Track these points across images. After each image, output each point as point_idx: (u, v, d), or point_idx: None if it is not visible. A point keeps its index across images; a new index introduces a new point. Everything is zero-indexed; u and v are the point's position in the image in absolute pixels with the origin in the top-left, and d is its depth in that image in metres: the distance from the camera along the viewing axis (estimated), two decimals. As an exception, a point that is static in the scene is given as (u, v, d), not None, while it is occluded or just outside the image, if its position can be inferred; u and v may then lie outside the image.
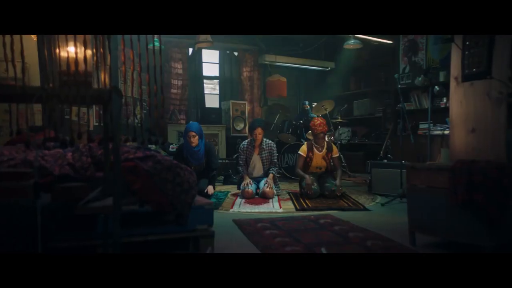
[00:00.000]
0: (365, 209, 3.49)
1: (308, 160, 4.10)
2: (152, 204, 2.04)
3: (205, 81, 7.26)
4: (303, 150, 4.11)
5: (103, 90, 1.36)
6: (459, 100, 2.66)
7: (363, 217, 3.18)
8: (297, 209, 3.44)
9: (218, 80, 7.42)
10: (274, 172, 4.23)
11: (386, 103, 6.42)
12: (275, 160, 4.34)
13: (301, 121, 6.20)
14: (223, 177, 5.60)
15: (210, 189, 3.89)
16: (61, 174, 2.00)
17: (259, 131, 4.24)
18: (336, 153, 4.17)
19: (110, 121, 1.30)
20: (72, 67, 1.31)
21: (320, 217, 3.12)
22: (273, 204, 3.63)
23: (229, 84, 7.36)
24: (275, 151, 4.33)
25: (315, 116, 6.22)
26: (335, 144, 6.20)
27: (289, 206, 3.63)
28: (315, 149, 4.11)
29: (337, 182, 3.95)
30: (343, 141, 6.70)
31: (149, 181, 2.03)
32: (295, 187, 4.97)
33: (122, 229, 2.02)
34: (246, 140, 4.48)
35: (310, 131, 5.92)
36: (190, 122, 4.18)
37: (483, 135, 2.52)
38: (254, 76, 7.38)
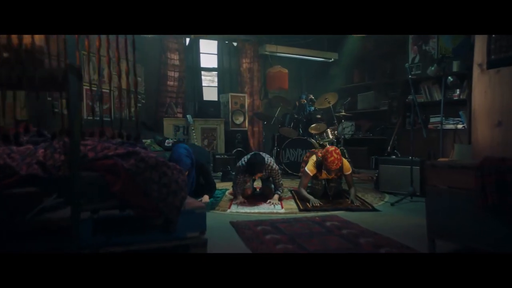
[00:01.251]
0: (373, 209, 3.22)
1: (313, 176, 3.58)
2: (135, 208, 1.77)
3: (203, 73, 6.96)
4: (310, 169, 3.46)
5: (56, 70, 1.06)
6: (483, 89, 2.37)
7: (372, 219, 2.92)
8: (300, 209, 3.18)
9: (216, 72, 7.12)
10: (280, 194, 3.59)
11: (392, 96, 6.13)
12: (280, 183, 3.62)
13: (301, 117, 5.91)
14: (221, 173, 5.33)
15: (205, 198, 3.44)
16: (29, 174, 1.72)
17: (259, 174, 3.55)
18: (348, 170, 3.51)
19: (67, 109, 1.00)
20: (15, 41, 1.02)
21: (326, 218, 2.85)
22: (274, 204, 3.36)
23: (228, 76, 7.06)
24: (275, 173, 3.55)
25: (313, 109, 5.94)
26: (338, 140, 5.93)
27: (291, 205, 3.36)
28: (324, 171, 3.48)
29: (353, 199, 3.39)
30: (346, 136, 6.42)
31: (131, 181, 1.76)
32: (296, 184, 4.71)
33: (99, 238, 1.76)
34: (243, 165, 3.52)
35: (313, 125, 5.65)
36: (179, 145, 3.54)
37: (511, 129, 2.24)
38: (254, 68, 7.08)
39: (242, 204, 3.38)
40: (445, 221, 2.07)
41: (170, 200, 1.78)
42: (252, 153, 3.64)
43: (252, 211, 3.14)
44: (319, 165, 3.44)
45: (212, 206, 3.27)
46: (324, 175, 3.51)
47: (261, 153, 3.65)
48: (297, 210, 3.17)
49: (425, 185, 2.20)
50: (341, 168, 3.44)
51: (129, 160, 1.79)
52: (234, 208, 3.23)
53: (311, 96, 6.35)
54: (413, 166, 3.80)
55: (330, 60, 7.42)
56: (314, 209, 3.19)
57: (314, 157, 3.53)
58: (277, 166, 3.57)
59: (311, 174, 3.49)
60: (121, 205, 1.77)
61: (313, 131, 5.74)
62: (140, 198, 1.75)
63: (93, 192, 1.79)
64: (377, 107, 6.68)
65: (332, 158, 3.23)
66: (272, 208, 3.23)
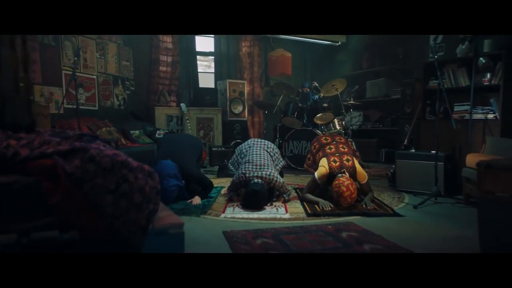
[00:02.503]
0: (395, 213, 2.71)
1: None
2: (81, 228, 1.25)
3: (198, 57, 6.39)
4: (320, 177, 2.95)
5: None
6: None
7: (396, 227, 2.40)
8: (308, 214, 2.66)
9: (213, 57, 6.55)
10: (286, 197, 3.09)
11: (405, 83, 5.57)
12: (287, 191, 3.10)
13: (306, 106, 5.36)
14: (217, 167, 4.81)
15: (196, 199, 2.97)
16: None
17: None
18: (363, 178, 3.01)
19: None
20: None
21: (340, 227, 2.34)
22: (277, 207, 2.84)
23: (225, 61, 6.50)
24: (281, 186, 3.01)
25: (317, 98, 5.39)
26: (346, 132, 5.40)
27: (297, 209, 2.85)
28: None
29: (367, 201, 2.90)
30: (353, 127, 5.88)
31: (75, 190, 1.24)
32: (301, 180, 4.20)
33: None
34: (238, 181, 3.00)
35: (318, 115, 5.11)
36: (163, 163, 2.96)
37: None
38: (254, 52, 6.51)
39: (239, 206, 2.87)
40: (505, 236, 1.55)
41: (132, 216, 1.26)
42: (251, 184, 2.83)
43: (251, 216, 2.62)
44: (330, 176, 2.92)
45: (203, 209, 2.76)
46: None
47: (260, 180, 2.87)
48: (304, 215, 2.66)
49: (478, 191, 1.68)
50: (354, 174, 2.93)
51: (73, 161, 1.27)
52: (229, 212, 2.72)
53: (315, 84, 5.82)
54: (439, 161, 3.28)
55: (337, 44, 6.84)
56: (325, 213, 2.67)
57: (325, 163, 2.98)
58: (282, 180, 3.01)
59: (320, 183, 2.98)
60: (62, 223, 1.25)
61: (318, 121, 5.20)
62: (88, 213, 1.24)
63: (23, 205, 1.27)
64: (388, 96, 6.13)
65: (348, 192, 2.67)
66: (275, 212, 2.71)
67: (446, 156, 3.41)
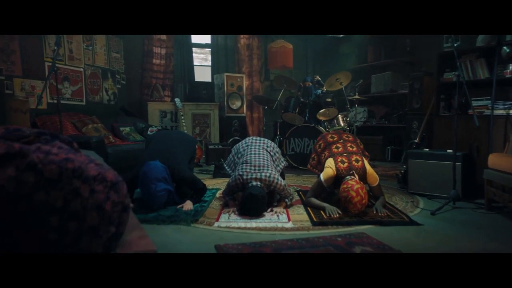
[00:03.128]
0: (411, 221, 2.39)
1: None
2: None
3: (194, 49, 6.06)
4: (327, 179, 2.65)
5: None
6: None
7: (416, 239, 2.09)
8: (314, 223, 2.34)
9: (210, 49, 6.21)
10: (288, 202, 2.74)
11: (413, 77, 5.24)
12: (289, 195, 2.75)
13: (308, 100, 5.02)
14: (212, 167, 4.50)
15: (187, 204, 2.66)
16: None
17: None
18: (374, 181, 2.69)
19: None
20: None
21: (351, 239, 2.02)
22: (278, 214, 2.53)
23: (223, 53, 6.17)
24: (282, 189, 2.67)
25: (320, 92, 5.06)
26: (351, 128, 5.08)
27: (301, 216, 2.53)
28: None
29: (378, 207, 2.58)
30: (358, 123, 5.56)
31: (7, 210, 0.92)
32: (304, 181, 3.88)
33: None
34: (234, 183, 2.68)
35: (321, 111, 4.79)
36: (151, 164, 2.60)
37: None
38: (254, 44, 6.17)
39: (235, 212, 2.55)
40: None
41: (84, 244, 0.94)
42: (249, 187, 2.52)
43: (249, 225, 2.31)
44: (338, 178, 2.64)
45: (194, 216, 2.44)
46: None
47: (259, 182, 2.56)
48: (309, 224, 2.34)
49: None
50: (364, 176, 2.64)
51: (5, 169, 0.94)
52: (224, 220, 2.40)
53: (317, 77, 5.49)
54: (457, 162, 2.97)
55: (340, 36, 6.49)
56: (332, 221, 2.35)
57: (332, 163, 2.68)
58: (284, 182, 2.68)
59: (326, 185, 2.67)
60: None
61: (321, 118, 4.87)
62: (26, 240, 0.92)
63: None
64: (394, 90, 5.80)
65: (357, 198, 2.36)
66: (276, 220, 2.40)
67: (463, 155, 3.10)
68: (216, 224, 2.31)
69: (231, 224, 2.31)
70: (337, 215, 2.44)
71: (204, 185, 2.84)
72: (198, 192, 2.81)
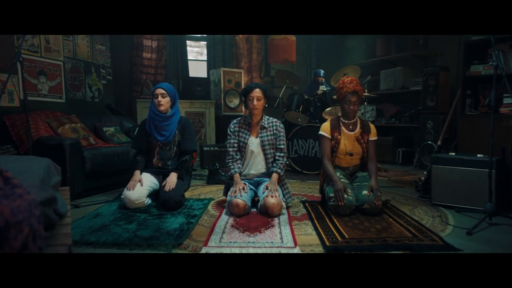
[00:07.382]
0: (446, 245, 1.93)
1: (333, 143, 2.71)
2: None
3: (188, 42, 5.60)
4: (325, 129, 2.76)
5: None
6: None
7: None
8: (326, 248, 1.88)
9: (205, 42, 5.75)
10: (279, 171, 2.64)
11: (427, 72, 4.79)
12: (282, 146, 2.74)
13: (313, 98, 4.56)
14: (207, 171, 4.04)
15: (170, 182, 2.63)
16: None
17: (257, 93, 2.74)
18: (374, 135, 2.76)
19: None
20: None
21: (377, 275, 1.56)
22: (281, 234, 2.07)
23: (220, 46, 5.72)
24: (282, 133, 2.78)
25: (327, 89, 4.62)
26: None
27: (309, 237, 2.07)
28: (343, 127, 2.73)
29: (372, 183, 2.52)
30: (366, 123, 5.11)
31: None
32: (310, 188, 3.43)
33: None
34: (238, 118, 2.91)
35: (328, 109, 4.34)
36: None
37: None
38: (253, 36, 5.72)
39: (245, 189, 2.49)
40: None
41: None
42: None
43: (244, 251, 1.85)
44: (334, 123, 2.76)
45: (177, 238, 1.98)
46: (345, 134, 2.71)
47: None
48: (321, 248, 1.88)
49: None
50: (367, 129, 2.73)
51: None
52: (214, 243, 1.94)
53: (322, 78, 5.05)
54: (493, 169, 2.51)
55: (347, 29, 6.03)
56: (350, 247, 1.89)
57: (328, 119, 2.84)
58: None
59: (328, 136, 2.73)
60: None
61: (327, 117, 4.41)
62: None
63: None
64: (406, 87, 5.36)
65: (348, 79, 2.67)
66: (278, 243, 1.94)
67: (497, 161, 2.65)
68: (204, 250, 1.85)
69: (223, 249, 1.85)
70: (343, 202, 2.38)
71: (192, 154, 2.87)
72: (184, 161, 2.79)
